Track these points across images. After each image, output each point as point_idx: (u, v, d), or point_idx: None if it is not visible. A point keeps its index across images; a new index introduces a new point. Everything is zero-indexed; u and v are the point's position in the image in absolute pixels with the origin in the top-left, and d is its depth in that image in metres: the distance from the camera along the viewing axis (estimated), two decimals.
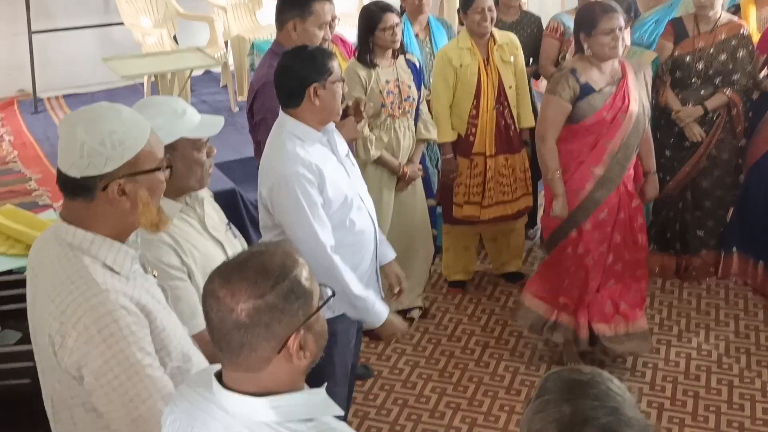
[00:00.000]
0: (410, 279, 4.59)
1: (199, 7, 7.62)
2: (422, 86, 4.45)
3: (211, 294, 1.56)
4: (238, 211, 4.89)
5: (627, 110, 3.76)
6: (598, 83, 3.76)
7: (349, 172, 3.09)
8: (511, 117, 4.62)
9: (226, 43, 7.40)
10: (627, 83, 3.79)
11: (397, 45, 4.21)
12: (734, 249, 4.88)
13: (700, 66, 4.51)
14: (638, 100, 3.80)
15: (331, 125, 3.03)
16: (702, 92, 4.54)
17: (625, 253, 3.96)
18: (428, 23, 4.99)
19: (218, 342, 1.56)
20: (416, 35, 4.91)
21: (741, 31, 4.52)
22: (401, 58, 4.28)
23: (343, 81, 3.00)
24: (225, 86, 7.15)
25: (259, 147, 3.62)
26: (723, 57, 4.48)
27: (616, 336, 3.96)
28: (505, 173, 4.65)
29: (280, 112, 2.98)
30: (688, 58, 4.52)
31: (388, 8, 4.16)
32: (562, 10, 5.71)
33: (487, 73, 4.52)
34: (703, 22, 4.52)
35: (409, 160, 4.34)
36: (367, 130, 4.10)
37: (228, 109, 6.81)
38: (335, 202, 2.94)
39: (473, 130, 4.56)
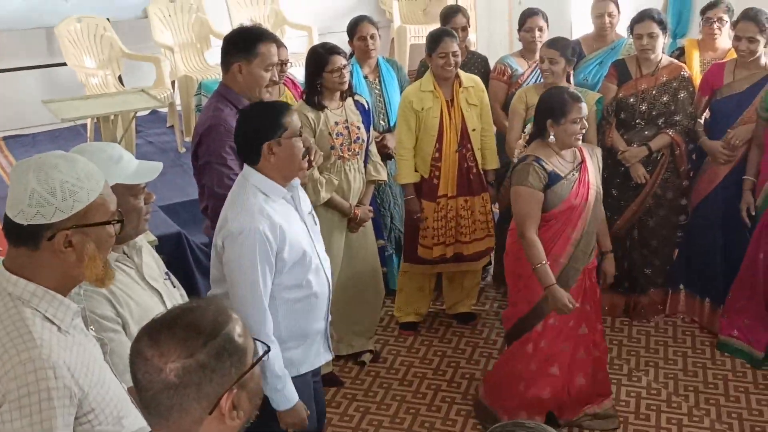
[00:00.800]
0: (362, 322, 4.61)
1: (146, 47, 7.61)
2: (371, 128, 4.48)
3: (139, 354, 1.52)
4: (184, 255, 4.85)
5: (587, 197, 3.75)
6: (563, 170, 3.71)
7: (311, 230, 3.08)
8: (474, 160, 4.67)
9: (173, 82, 7.39)
10: (587, 168, 3.79)
11: (345, 87, 4.22)
12: (681, 287, 5.03)
13: (644, 107, 4.63)
14: (595, 184, 3.81)
15: (296, 181, 3.03)
16: (646, 133, 4.66)
17: (591, 344, 3.95)
18: (377, 65, 5.06)
19: (147, 404, 1.52)
20: (365, 77, 4.97)
21: (682, 73, 4.66)
22: (350, 99, 4.31)
23: (302, 134, 2.97)
24: (171, 126, 7.12)
25: (203, 190, 3.62)
26: (665, 98, 4.62)
27: (579, 418, 4.02)
28: (464, 215, 4.70)
29: (245, 165, 2.97)
30: (631, 100, 4.65)
31: (336, 50, 4.19)
32: (509, 51, 5.83)
33: (450, 116, 4.57)
34: (644, 64, 4.65)
35: (360, 202, 4.36)
36: (316, 173, 4.12)
37: (174, 149, 6.79)
38: (294, 261, 2.92)
39: (437, 173, 4.61)
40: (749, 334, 4.52)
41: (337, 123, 4.19)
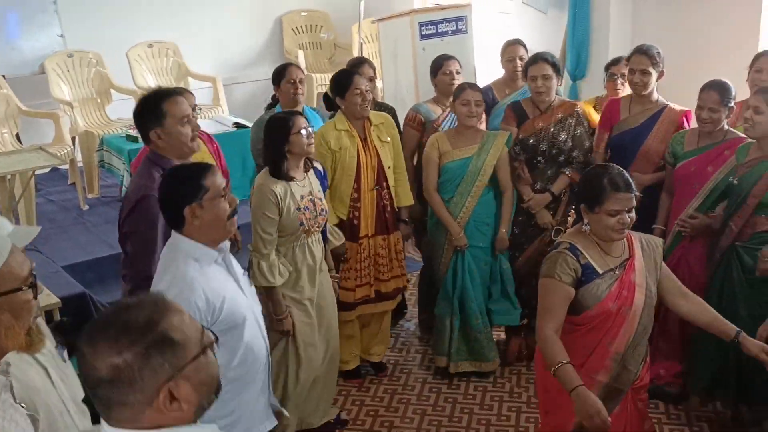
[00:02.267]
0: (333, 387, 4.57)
1: (45, 103, 7.54)
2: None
3: (79, 351, 1.62)
4: (89, 316, 4.77)
5: (631, 302, 3.19)
6: (603, 265, 3.22)
7: (246, 291, 3.07)
8: (389, 197, 4.76)
9: (73, 139, 7.32)
10: (633, 265, 3.24)
11: (313, 150, 4.08)
12: None
13: (544, 146, 4.84)
14: (644, 286, 3.23)
15: (226, 244, 3.00)
16: (548, 172, 4.88)
17: None
18: (304, 112, 5.01)
19: (92, 398, 1.62)
20: None
21: (576, 110, 4.90)
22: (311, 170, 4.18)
23: (226, 194, 2.93)
24: (73, 183, 7.03)
25: (126, 258, 3.57)
26: (563, 136, 4.84)
27: None
28: (382, 253, 4.78)
29: (173, 231, 2.94)
30: (531, 140, 4.85)
31: (296, 112, 4.13)
32: (416, 99, 6.00)
33: (366, 155, 4.62)
34: (540, 106, 4.86)
35: (329, 267, 4.36)
36: (273, 256, 4.00)
37: (77, 207, 6.69)
38: (232, 326, 2.90)
39: (356, 213, 4.65)
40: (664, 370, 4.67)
41: (303, 196, 4.04)
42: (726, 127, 4.42)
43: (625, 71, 5.15)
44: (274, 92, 5.13)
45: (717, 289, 4.18)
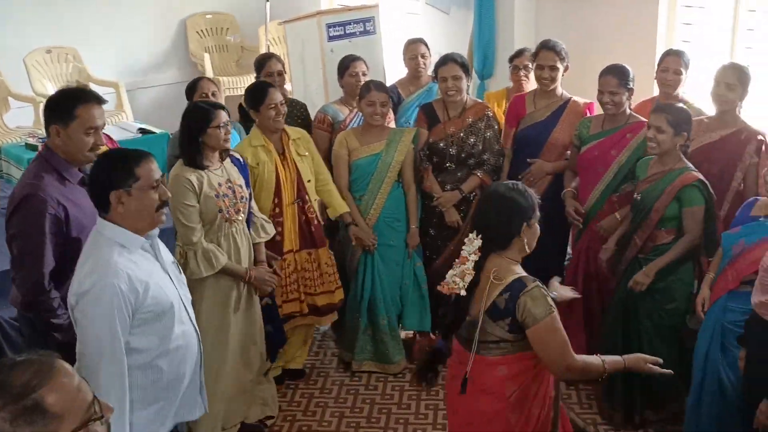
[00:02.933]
0: (260, 385, 4.53)
1: None
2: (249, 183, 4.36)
3: None
4: None
5: None
6: None
7: (175, 279, 3.05)
8: (312, 211, 4.73)
9: None
10: None
11: (228, 144, 4.08)
12: None
13: (453, 151, 4.94)
14: None
15: (155, 230, 2.99)
16: (458, 174, 4.98)
17: None
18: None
19: None
20: None
21: (486, 113, 5.01)
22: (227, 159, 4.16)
23: (158, 186, 2.91)
24: None
25: (14, 261, 3.49)
26: (472, 140, 4.95)
27: None
28: (308, 268, 4.75)
29: (98, 217, 2.92)
30: (441, 145, 4.94)
31: (219, 105, 4.09)
32: (325, 100, 6.03)
33: (285, 169, 4.59)
34: (451, 107, 4.96)
35: (257, 260, 4.30)
36: (205, 243, 3.98)
37: None
38: (159, 312, 2.90)
39: (279, 228, 4.60)
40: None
41: (220, 184, 4.02)
42: (628, 111, 4.60)
43: (529, 63, 5.32)
44: None
45: (622, 299, 4.36)
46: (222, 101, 4.88)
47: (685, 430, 4.06)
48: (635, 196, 4.29)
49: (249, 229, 4.27)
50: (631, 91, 4.53)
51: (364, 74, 5.30)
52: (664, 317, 4.20)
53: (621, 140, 4.57)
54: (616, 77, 4.48)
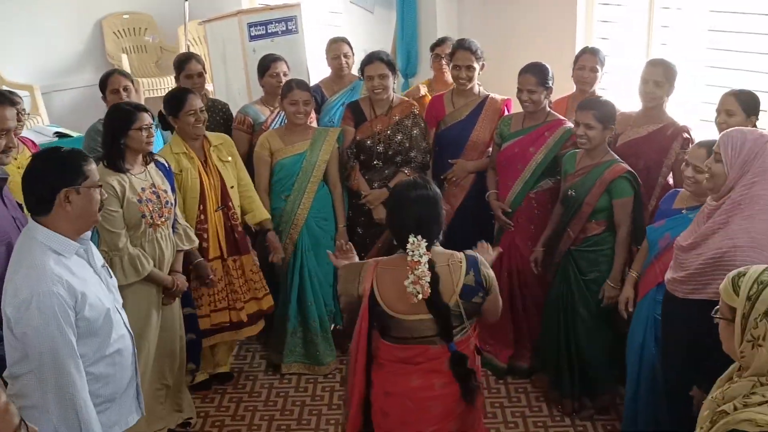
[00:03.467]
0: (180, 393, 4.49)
1: None
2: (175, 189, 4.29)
3: None
4: None
5: None
6: None
7: (107, 284, 3.02)
8: (236, 218, 4.69)
9: None
10: None
11: (151, 147, 4.03)
12: None
13: (380, 148, 4.98)
14: None
15: (87, 234, 2.95)
16: (386, 172, 5.01)
17: None
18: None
19: None
20: None
21: (413, 110, 5.06)
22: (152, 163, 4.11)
23: (101, 186, 2.92)
24: None
25: None
26: (399, 137, 4.99)
27: None
28: (235, 275, 4.71)
29: (30, 220, 2.85)
30: (369, 142, 4.97)
31: (142, 107, 4.01)
32: (248, 100, 5.99)
33: (208, 176, 4.55)
34: (378, 105, 5.00)
35: (173, 270, 4.21)
36: (131, 248, 3.92)
37: None
38: (96, 318, 2.86)
39: (204, 235, 4.55)
40: (495, 348, 4.99)
41: (144, 188, 3.97)
42: (548, 109, 4.70)
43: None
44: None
45: (557, 290, 4.51)
46: (138, 98, 4.84)
47: (624, 423, 4.18)
48: (569, 192, 4.39)
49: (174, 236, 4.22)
50: (549, 89, 4.62)
51: (285, 74, 5.28)
52: (599, 305, 4.34)
53: (539, 138, 4.67)
54: (534, 76, 4.57)
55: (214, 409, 4.80)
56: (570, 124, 4.61)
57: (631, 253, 4.30)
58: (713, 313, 2.35)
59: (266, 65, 5.33)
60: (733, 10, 5.08)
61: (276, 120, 5.25)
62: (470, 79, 4.96)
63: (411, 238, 3.01)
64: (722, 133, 3.28)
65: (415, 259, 2.99)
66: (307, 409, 4.77)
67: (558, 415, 4.63)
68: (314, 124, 5.23)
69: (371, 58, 4.93)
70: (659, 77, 4.41)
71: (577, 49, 5.46)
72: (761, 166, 3.15)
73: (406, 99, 5.24)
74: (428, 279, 3.00)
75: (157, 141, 4.57)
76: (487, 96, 5.08)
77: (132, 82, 4.91)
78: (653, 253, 3.90)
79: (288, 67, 5.37)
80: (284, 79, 5.21)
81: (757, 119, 4.11)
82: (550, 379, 4.72)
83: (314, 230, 4.95)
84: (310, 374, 5.08)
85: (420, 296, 2.99)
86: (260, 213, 4.82)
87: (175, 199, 4.21)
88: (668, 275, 3.47)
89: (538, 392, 4.84)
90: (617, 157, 4.31)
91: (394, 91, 5.10)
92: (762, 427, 2.08)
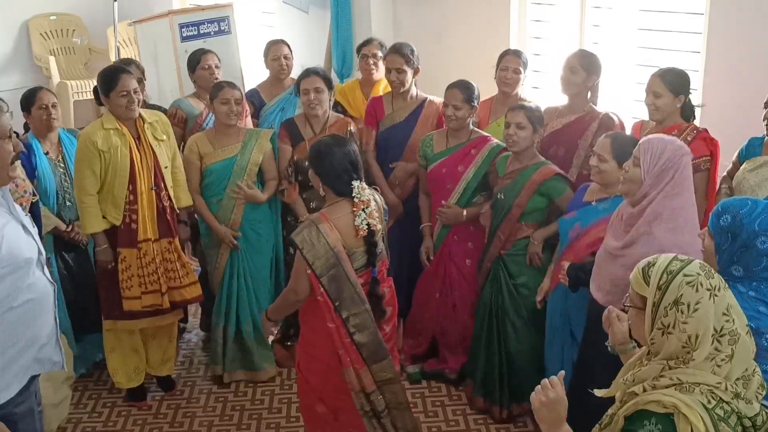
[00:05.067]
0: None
1: None
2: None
3: None
4: None
5: None
6: None
7: (31, 232, 3.00)
8: (169, 198, 4.64)
9: None
10: None
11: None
12: None
13: None
14: None
15: (5, 189, 2.94)
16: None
17: None
18: (59, 139, 4.87)
19: None
20: (46, 153, 4.74)
21: (349, 129, 5.00)
22: None
23: (12, 137, 2.90)
24: None
25: None
26: None
27: None
28: (170, 258, 4.64)
29: None
30: (306, 163, 4.92)
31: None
32: (181, 95, 5.97)
33: (140, 154, 4.48)
34: (313, 121, 4.94)
35: None
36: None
37: None
38: (15, 266, 2.85)
39: (134, 216, 4.49)
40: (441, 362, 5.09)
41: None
42: (471, 127, 4.79)
43: (378, 51, 5.45)
44: (25, 119, 4.84)
45: (489, 295, 4.57)
46: (60, 114, 4.81)
47: None
48: (498, 195, 4.48)
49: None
50: (474, 108, 4.70)
51: (217, 67, 5.28)
52: (529, 310, 4.42)
53: (466, 156, 4.73)
54: (461, 92, 4.64)
55: (152, 417, 4.77)
56: (497, 141, 4.70)
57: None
58: (624, 301, 2.43)
59: (197, 58, 5.35)
60: (662, 9, 5.24)
61: (210, 114, 5.21)
62: (402, 83, 5.02)
63: (355, 183, 3.60)
64: (644, 139, 3.40)
65: (364, 199, 3.61)
66: (247, 414, 4.78)
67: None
68: (249, 125, 5.22)
69: (308, 72, 4.90)
70: (574, 64, 4.57)
71: (512, 47, 5.59)
72: (680, 178, 3.30)
73: (342, 117, 5.20)
74: (378, 213, 3.63)
75: (40, 159, 4.61)
76: (426, 99, 5.15)
77: (57, 98, 4.89)
78: (564, 243, 4.04)
79: (219, 59, 5.37)
80: (216, 72, 5.22)
81: (687, 98, 4.21)
82: (477, 386, 4.73)
83: (249, 234, 4.93)
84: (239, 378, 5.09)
85: (379, 226, 3.64)
86: (185, 199, 4.80)
87: (32, 191, 4.19)
88: (593, 284, 3.57)
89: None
90: (545, 159, 4.43)
91: (330, 108, 5.05)
92: (668, 408, 2.16)
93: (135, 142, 4.48)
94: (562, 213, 4.24)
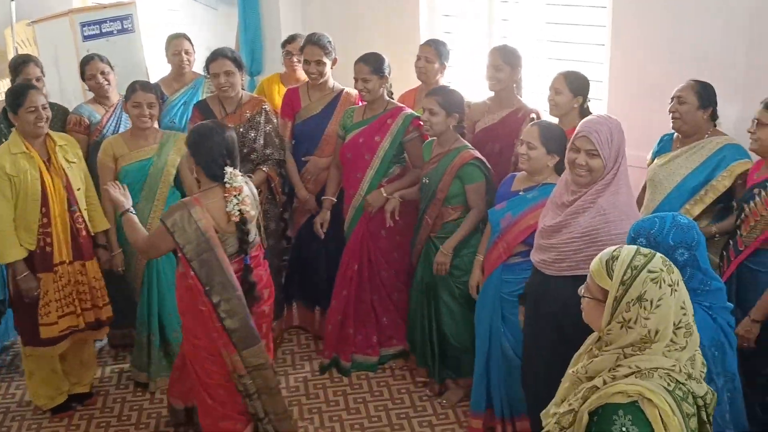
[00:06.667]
0: None
1: None
2: None
3: None
4: None
5: None
6: None
7: None
8: (82, 221, 4.58)
9: None
10: None
11: None
12: (293, 303, 5.66)
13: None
14: None
15: None
16: (242, 170, 5.00)
17: None
18: None
19: None
20: None
21: (263, 107, 5.08)
22: None
23: None
24: None
25: None
26: (253, 134, 5.02)
27: None
28: (82, 280, 4.59)
29: None
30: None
31: None
32: (84, 97, 5.87)
33: (51, 177, 4.42)
34: (226, 102, 5.00)
35: None
36: None
37: None
38: None
39: (48, 240, 4.43)
40: (339, 345, 5.17)
41: None
42: (386, 97, 4.90)
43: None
44: None
45: (421, 277, 4.75)
46: None
47: (473, 402, 4.43)
48: (424, 180, 4.62)
49: None
50: (384, 78, 4.82)
51: (102, 73, 5.19)
52: (462, 290, 4.56)
53: (383, 126, 4.87)
54: (367, 65, 4.77)
55: (64, 428, 4.69)
56: (410, 110, 4.87)
57: None
58: (580, 291, 2.47)
59: (82, 69, 5.27)
60: (568, 3, 5.38)
61: (112, 119, 5.20)
62: (321, 74, 5.07)
63: (227, 169, 3.74)
64: (588, 130, 3.42)
65: (236, 185, 3.74)
66: (164, 421, 4.72)
67: (420, 405, 4.79)
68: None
69: (215, 56, 4.92)
70: (497, 61, 4.71)
71: (422, 42, 5.67)
72: (623, 148, 3.43)
73: (256, 96, 5.27)
74: (250, 200, 3.75)
75: None
76: (342, 90, 5.22)
77: None
78: (495, 233, 4.15)
79: (108, 64, 5.25)
80: (101, 77, 5.16)
81: (585, 100, 4.42)
82: (417, 360, 4.96)
83: None
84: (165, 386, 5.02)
85: (252, 213, 3.77)
86: (101, 223, 4.76)
87: None
88: (537, 257, 3.66)
89: (400, 385, 5.01)
90: (467, 143, 4.54)
91: (243, 88, 5.11)
92: (632, 396, 2.23)
93: (45, 164, 4.44)
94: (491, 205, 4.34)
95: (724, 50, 4.44)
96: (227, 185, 3.75)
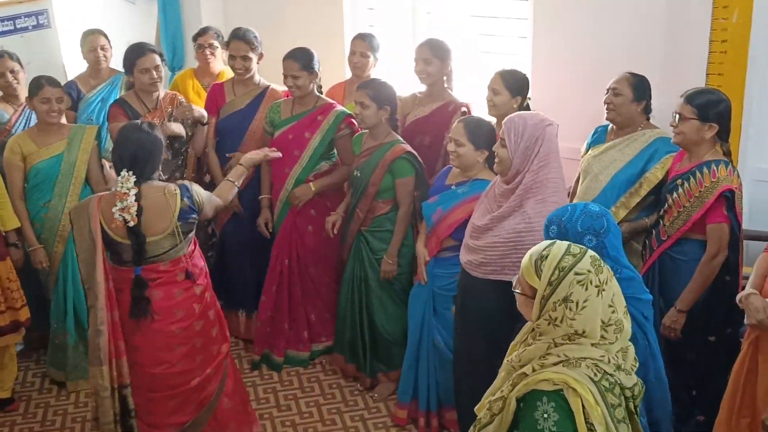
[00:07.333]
0: None
1: None
2: None
3: None
4: None
5: None
6: None
7: None
8: None
9: None
10: None
11: None
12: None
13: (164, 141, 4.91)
14: None
15: None
16: (172, 165, 5.02)
17: None
18: None
19: None
20: None
21: (179, 99, 5.08)
22: None
23: None
24: None
25: None
26: (177, 129, 4.99)
27: None
28: None
29: None
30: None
31: None
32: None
33: None
34: (146, 98, 4.96)
35: None
36: None
37: None
38: None
39: None
40: (271, 340, 5.14)
41: None
42: (316, 93, 4.90)
43: (214, 41, 5.46)
44: None
45: (352, 269, 4.76)
46: None
47: (400, 392, 4.49)
48: (355, 173, 4.64)
49: None
50: (314, 73, 4.80)
51: (12, 71, 5.07)
52: (394, 282, 4.61)
53: (313, 123, 4.86)
54: (297, 61, 4.75)
55: None
56: (342, 108, 4.86)
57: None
58: (513, 286, 2.50)
59: None
60: None
61: (21, 119, 5.10)
62: (247, 69, 5.05)
63: (123, 173, 3.63)
64: (506, 119, 3.55)
65: (123, 191, 3.62)
66: (90, 425, 4.63)
67: (352, 400, 4.81)
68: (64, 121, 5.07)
69: (144, 51, 4.87)
70: (426, 55, 4.73)
71: (346, 37, 5.69)
72: (545, 150, 3.48)
73: (170, 91, 5.24)
74: (135, 210, 3.60)
75: None
76: (268, 86, 5.19)
77: None
78: (428, 227, 4.19)
79: (19, 62, 5.13)
80: (10, 77, 5.04)
81: (525, 99, 4.44)
82: (345, 357, 4.95)
83: None
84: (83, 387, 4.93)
85: (131, 223, 3.60)
86: (11, 221, 4.64)
87: None
88: (464, 258, 3.71)
89: (331, 380, 5.02)
90: (399, 138, 4.57)
91: (163, 86, 5.08)
92: (558, 385, 2.28)
93: None
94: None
95: (643, 43, 4.56)
96: (117, 189, 3.65)
